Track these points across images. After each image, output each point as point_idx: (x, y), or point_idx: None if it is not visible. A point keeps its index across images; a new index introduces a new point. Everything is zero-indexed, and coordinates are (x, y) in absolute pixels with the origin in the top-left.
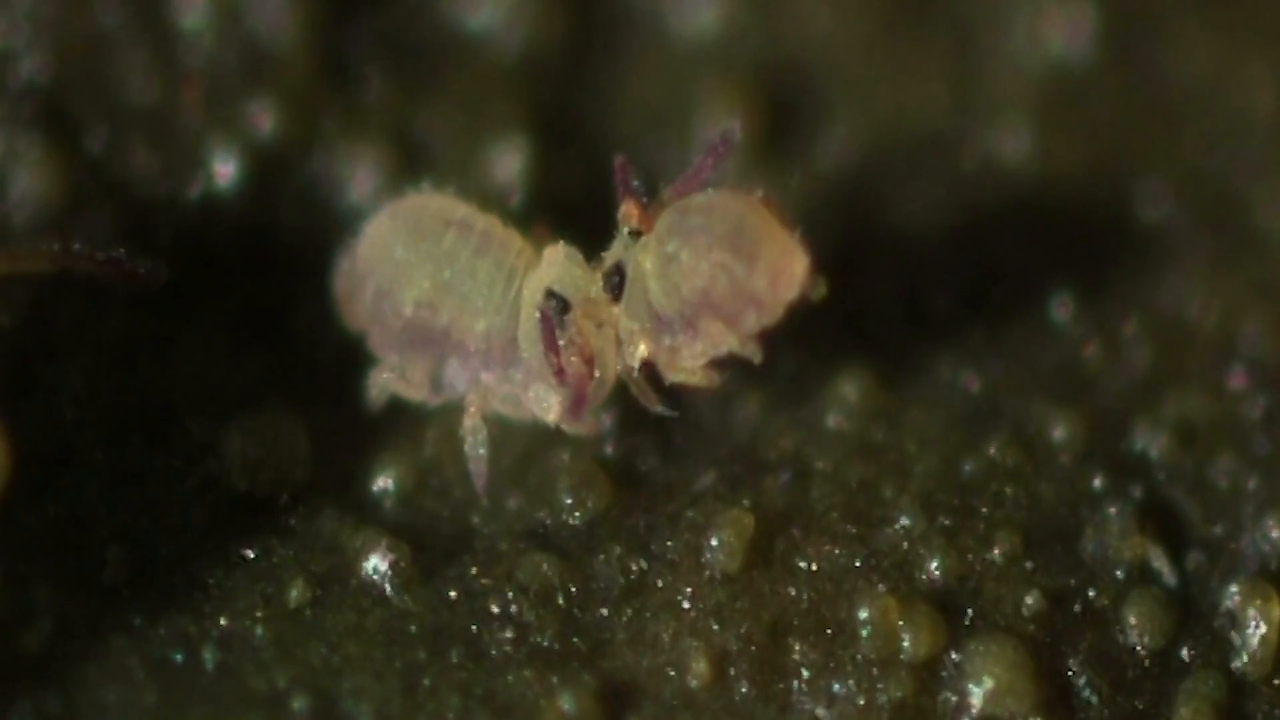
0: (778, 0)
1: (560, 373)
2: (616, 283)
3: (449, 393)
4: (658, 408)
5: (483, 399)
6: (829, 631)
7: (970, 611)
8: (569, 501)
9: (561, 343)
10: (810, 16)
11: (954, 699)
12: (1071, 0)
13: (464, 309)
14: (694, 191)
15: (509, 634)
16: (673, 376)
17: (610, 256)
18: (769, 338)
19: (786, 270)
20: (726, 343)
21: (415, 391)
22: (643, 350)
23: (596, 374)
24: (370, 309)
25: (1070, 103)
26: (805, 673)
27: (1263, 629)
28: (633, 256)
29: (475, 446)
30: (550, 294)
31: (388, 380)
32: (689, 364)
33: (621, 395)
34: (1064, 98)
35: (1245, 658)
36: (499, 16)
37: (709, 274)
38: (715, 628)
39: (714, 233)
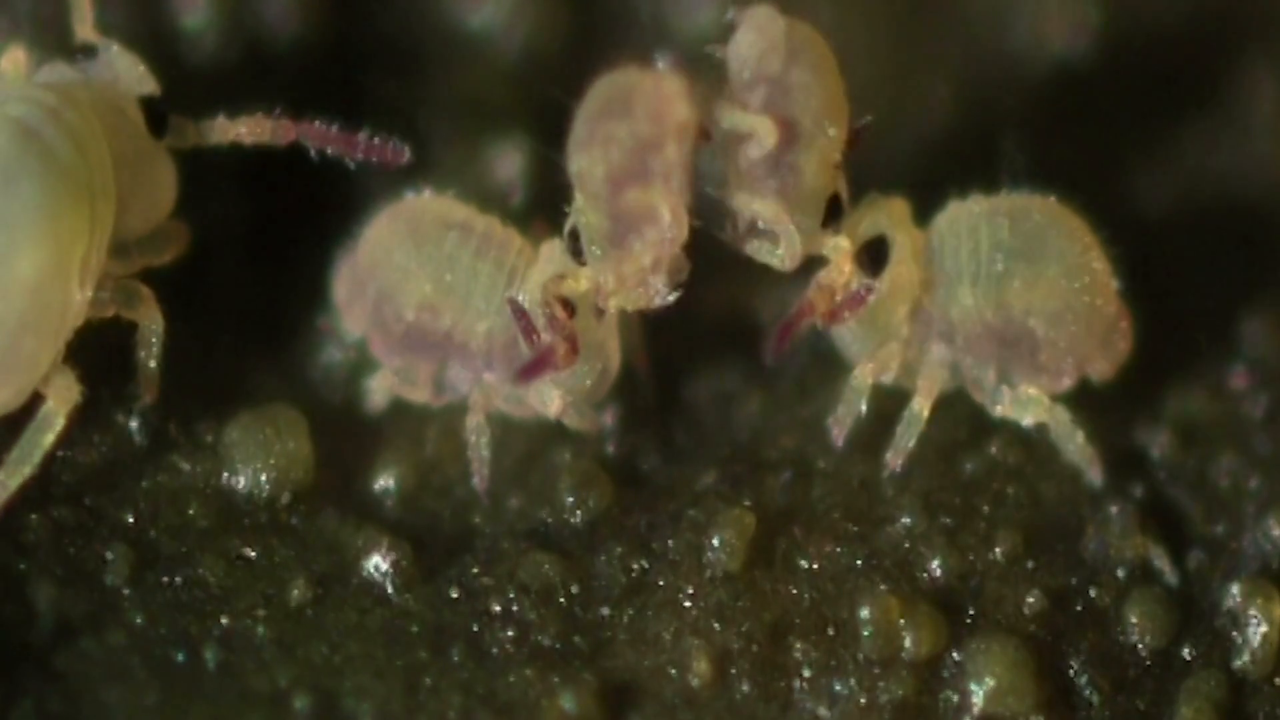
0: (778, 0)
1: (532, 338)
2: (575, 246)
3: (452, 394)
4: (646, 371)
5: (486, 398)
6: (830, 631)
7: (971, 611)
8: (570, 501)
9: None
10: (811, 16)
11: (955, 698)
12: (1072, 0)
13: (466, 311)
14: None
15: (510, 633)
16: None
17: (567, 223)
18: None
19: (658, 98)
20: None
21: (418, 393)
22: (596, 283)
23: (579, 355)
24: (371, 313)
25: (1070, 103)
26: (806, 672)
27: (1264, 628)
28: (574, 211)
29: (478, 446)
30: (554, 283)
31: (390, 384)
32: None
33: (623, 394)
34: (1064, 98)
35: (1246, 657)
36: (499, 16)
37: (601, 153)
38: (716, 627)
39: (589, 116)
